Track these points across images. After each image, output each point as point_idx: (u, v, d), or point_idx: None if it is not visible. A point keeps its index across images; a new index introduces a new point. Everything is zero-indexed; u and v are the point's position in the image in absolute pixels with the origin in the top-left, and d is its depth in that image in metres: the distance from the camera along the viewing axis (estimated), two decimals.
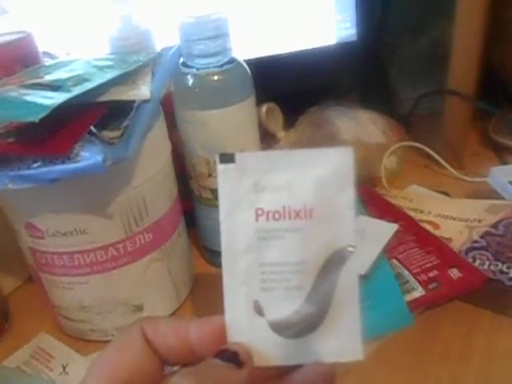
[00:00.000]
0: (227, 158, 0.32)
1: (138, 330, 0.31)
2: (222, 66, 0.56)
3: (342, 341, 0.31)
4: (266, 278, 0.31)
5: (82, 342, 0.58)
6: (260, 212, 0.31)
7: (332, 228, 0.31)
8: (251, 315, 0.31)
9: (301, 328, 0.31)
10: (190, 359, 0.31)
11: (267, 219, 0.31)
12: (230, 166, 0.32)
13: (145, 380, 0.30)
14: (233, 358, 0.30)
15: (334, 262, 0.31)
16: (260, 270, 0.31)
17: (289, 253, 0.31)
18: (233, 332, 0.31)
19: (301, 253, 0.31)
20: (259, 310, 0.31)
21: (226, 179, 0.32)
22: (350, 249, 0.31)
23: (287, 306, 0.31)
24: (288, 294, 0.31)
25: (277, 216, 0.31)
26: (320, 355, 0.31)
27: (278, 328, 0.31)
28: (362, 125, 0.78)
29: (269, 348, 0.31)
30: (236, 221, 0.32)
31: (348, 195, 0.31)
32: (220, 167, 0.32)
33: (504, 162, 0.81)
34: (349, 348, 0.31)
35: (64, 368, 0.55)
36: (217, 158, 0.31)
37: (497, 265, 0.55)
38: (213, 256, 0.67)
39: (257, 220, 0.31)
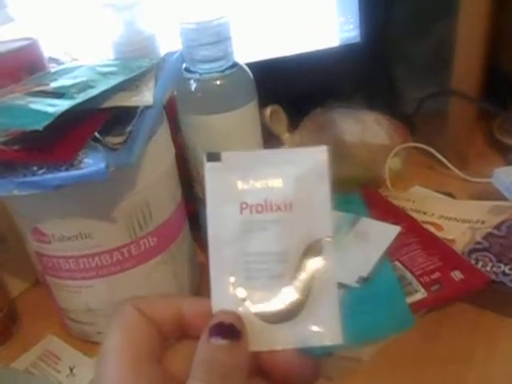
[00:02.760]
0: (214, 157, 0.34)
1: (133, 308, 0.32)
2: (224, 70, 0.57)
3: (321, 326, 0.33)
4: (251, 267, 0.33)
5: (88, 344, 0.58)
6: (244, 206, 0.34)
7: (311, 220, 0.34)
8: (237, 303, 0.33)
9: (284, 314, 0.33)
10: (183, 332, 0.33)
11: (251, 212, 0.34)
12: (217, 164, 0.34)
13: (154, 354, 0.31)
14: (230, 331, 0.31)
15: (312, 252, 0.33)
16: (244, 259, 0.33)
17: (271, 243, 0.33)
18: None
19: (282, 243, 0.33)
20: (244, 298, 0.33)
21: (212, 176, 0.34)
22: (328, 239, 0.33)
23: (271, 294, 0.33)
24: (271, 282, 0.33)
25: (259, 209, 0.34)
26: (303, 340, 0.33)
27: (263, 315, 0.33)
28: (366, 126, 0.78)
29: (255, 334, 0.32)
30: (222, 214, 0.34)
31: (324, 189, 0.34)
32: (207, 165, 0.34)
33: (509, 163, 0.81)
34: (329, 333, 0.33)
35: (71, 370, 0.56)
36: (204, 157, 0.34)
37: (499, 266, 0.55)
38: None
39: (241, 213, 0.34)
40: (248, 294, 0.33)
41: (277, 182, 0.34)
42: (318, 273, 0.33)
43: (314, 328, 0.33)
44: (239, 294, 0.33)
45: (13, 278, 0.66)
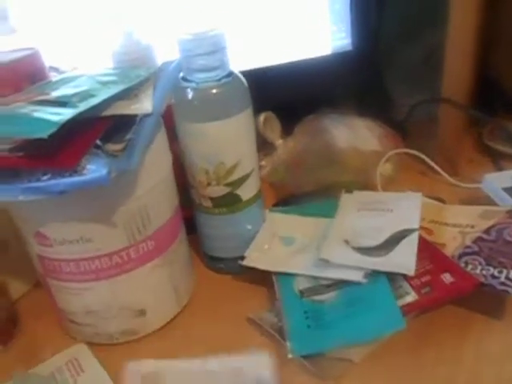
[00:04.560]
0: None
1: None
2: (220, 79, 0.58)
3: (402, 260, 0.57)
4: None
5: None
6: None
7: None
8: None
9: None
10: None
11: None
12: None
13: None
14: None
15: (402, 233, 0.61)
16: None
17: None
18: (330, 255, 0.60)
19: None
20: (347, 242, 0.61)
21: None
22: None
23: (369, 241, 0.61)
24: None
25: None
26: (385, 266, 0.57)
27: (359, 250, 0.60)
28: (358, 132, 0.80)
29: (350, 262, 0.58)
30: None
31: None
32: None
33: (499, 168, 0.82)
34: (405, 265, 0.57)
35: None
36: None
37: (488, 269, 0.57)
38: (212, 262, 0.69)
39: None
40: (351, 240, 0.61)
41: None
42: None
43: (398, 260, 0.57)
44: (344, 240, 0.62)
45: (13, 281, 0.67)
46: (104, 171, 0.45)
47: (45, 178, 0.45)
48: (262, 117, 0.83)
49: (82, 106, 0.48)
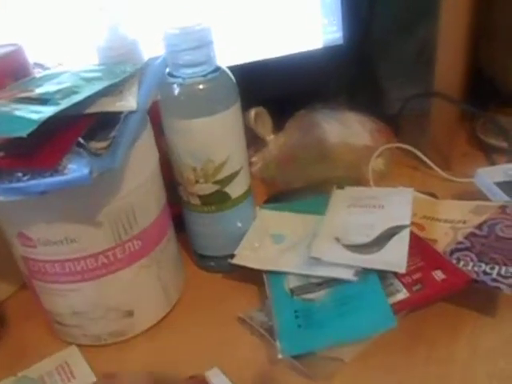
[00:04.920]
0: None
1: None
2: (206, 75, 0.57)
3: (393, 258, 0.57)
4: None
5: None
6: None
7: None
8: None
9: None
10: None
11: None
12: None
13: None
14: None
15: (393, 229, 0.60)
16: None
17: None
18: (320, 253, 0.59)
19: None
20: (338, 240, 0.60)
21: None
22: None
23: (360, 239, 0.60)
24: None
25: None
26: (376, 264, 0.56)
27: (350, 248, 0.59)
28: (350, 127, 0.79)
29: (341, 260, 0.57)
30: None
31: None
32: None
33: (492, 162, 0.82)
34: (397, 263, 0.56)
35: None
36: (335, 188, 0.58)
37: (480, 266, 0.56)
38: (202, 260, 0.68)
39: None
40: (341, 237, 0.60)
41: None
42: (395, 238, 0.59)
43: (388, 257, 0.57)
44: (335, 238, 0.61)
45: (0, 282, 0.66)
46: (85, 171, 0.44)
47: (25, 178, 0.45)
48: (252, 112, 0.82)
49: (64, 104, 0.47)
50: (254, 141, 0.82)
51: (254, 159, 0.83)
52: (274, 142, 0.83)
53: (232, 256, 0.63)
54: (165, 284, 0.60)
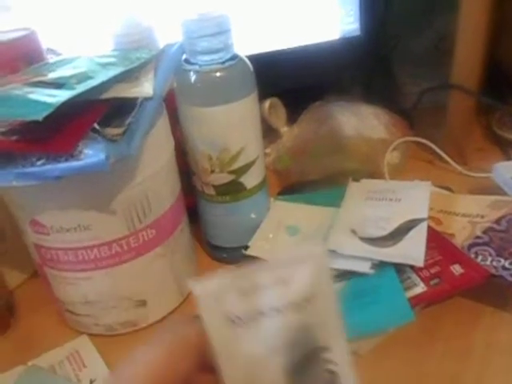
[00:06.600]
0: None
1: (194, 338, 0.30)
2: (224, 62, 0.56)
3: (410, 251, 0.55)
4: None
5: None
6: None
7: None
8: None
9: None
10: None
11: None
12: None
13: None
14: None
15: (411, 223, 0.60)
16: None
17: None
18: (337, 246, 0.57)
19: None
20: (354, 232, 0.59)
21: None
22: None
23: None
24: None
25: None
26: (394, 257, 0.55)
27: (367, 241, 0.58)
28: (365, 120, 0.78)
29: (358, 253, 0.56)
30: None
31: None
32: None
33: (508, 157, 0.81)
34: (414, 256, 0.55)
35: (91, 383, 0.54)
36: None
37: (499, 261, 0.55)
38: (216, 251, 0.67)
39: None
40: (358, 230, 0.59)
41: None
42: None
43: (406, 251, 0.55)
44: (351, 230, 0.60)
45: (11, 270, 0.66)
46: (102, 156, 0.43)
47: (39, 162, 0.44)
48: (267, 103, 0.81)
49: (80, 88, 0.46)
50: (267, 132, 0.81)
51: (267, 150, 0.82)
52: (288, 133, 0.82)
53: (246, 247, 0.62)
54: (178, 274, 0.59)
